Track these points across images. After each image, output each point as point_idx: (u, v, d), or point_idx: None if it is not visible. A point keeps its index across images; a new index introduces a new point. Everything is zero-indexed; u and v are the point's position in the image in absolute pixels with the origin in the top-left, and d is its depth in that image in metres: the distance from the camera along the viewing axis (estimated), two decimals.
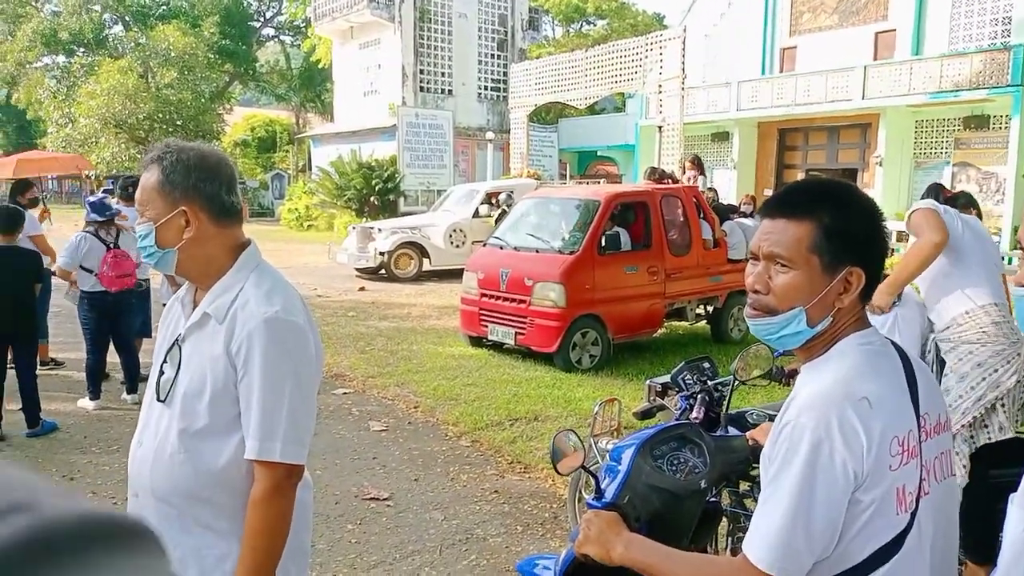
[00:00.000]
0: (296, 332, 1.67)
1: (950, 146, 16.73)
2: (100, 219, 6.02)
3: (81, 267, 5.96)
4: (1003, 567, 1.15)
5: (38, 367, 5.76)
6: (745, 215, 10.21)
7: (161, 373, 1.74)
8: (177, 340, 1.73)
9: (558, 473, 1.89)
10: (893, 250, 7.37)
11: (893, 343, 1.44)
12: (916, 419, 1.33)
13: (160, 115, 30.13)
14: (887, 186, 16.83)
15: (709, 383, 2.84)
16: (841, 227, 1.34)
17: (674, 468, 1.87)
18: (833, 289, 1.34)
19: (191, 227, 1.68)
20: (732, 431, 2.52)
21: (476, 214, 14.53)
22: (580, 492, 3.85)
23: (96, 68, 31.32)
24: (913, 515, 1.30)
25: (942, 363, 3.69)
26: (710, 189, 10.53)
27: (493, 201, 14.55)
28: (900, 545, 1.28)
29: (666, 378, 3.23)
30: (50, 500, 0.30)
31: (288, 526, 1.66)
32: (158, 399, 1.72)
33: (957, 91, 15.46)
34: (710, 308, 8.96)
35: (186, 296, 1.81)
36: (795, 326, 1.35)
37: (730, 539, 2.89)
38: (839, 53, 18.19)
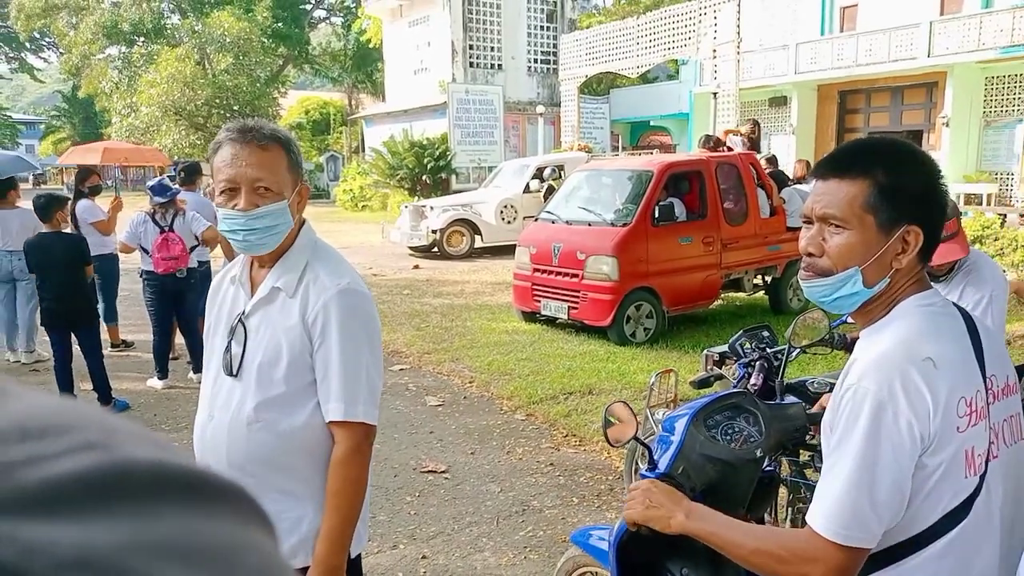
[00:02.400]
0: (366, 302, 1.78)
1: (1023, 103, 15.93)
2: (161, 201, 6.18)
3: (140, 247, 6.16)
4: None
5: (109, 349, 5.95)
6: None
7: (227, 349, 1.79)
8: (240, 317, 1.78)
9: (609, 444, 1.88)
10: (961, 213, 7.01)
11: (956, 306, 1.38)
12: (983, 380, 1.28)
13: (218, 101, 30.80)
14: (954, 147, 16.12)
15: (768, 351, 2.78)
16: (896, 184, 1.29)
17: (728, 437, 1.84)
18: (890, 249, 1.29)
19: (301, 204, 1.80)
20: (790, 399, 2.47)
21: (527, 189, 14.48)
22: (637, 463, 3.84)
23: (155, 57, 32.11)
24: (982, 478, 1.25)
25: None
26: (768, 160, 9.96)
27: (541, 177, 14.46)
28: (968, 509, 1.24)
29: (724, 347, 3.18)
30: (129, 444, 0.29)
31: (366, 485, 1.75)
32: (229, 373, 1.78)
33: None
34: (768, 278, 8.77)
35: (242, 274, 1.84)
36: (851, 287, 1.31)
37: (790, 509, 2.84)
38: (903, 10, 17.39)
